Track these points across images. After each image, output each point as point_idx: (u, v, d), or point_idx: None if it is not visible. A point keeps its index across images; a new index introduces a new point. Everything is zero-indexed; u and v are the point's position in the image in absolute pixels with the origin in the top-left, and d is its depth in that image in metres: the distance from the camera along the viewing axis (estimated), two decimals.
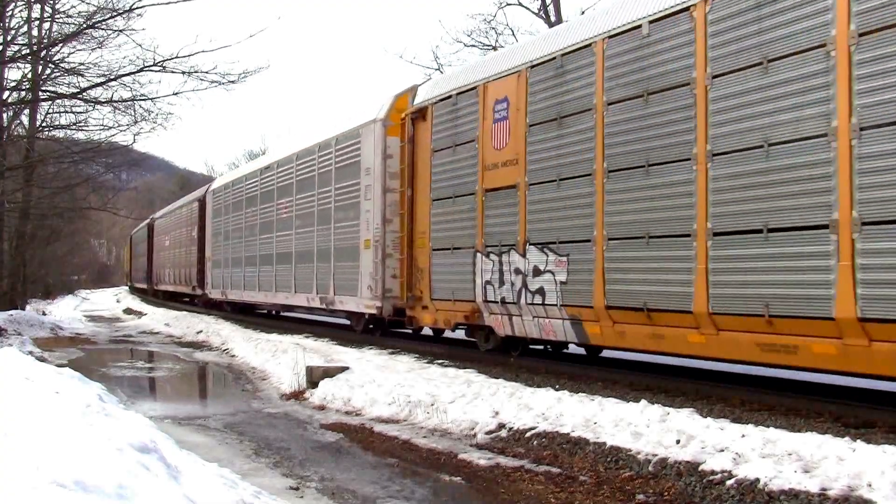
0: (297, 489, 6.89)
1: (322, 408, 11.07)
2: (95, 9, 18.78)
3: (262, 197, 23.69)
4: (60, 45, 21.51)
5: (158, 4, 17.69)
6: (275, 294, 22.61)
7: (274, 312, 28.21)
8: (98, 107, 22.06)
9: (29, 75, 22.53)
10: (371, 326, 17.51)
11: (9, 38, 21.63)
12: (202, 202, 31.76)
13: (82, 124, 24.76)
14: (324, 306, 18.97)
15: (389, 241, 15.85)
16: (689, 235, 9.14)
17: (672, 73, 9.44)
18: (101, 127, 24.84)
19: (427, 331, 17.32)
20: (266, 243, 23.33)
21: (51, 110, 26.26)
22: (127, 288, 68.85)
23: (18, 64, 22.30)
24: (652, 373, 10.97)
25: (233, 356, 17.95)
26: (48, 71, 22.58)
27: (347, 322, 19.60)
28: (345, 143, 17.84)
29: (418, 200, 14.64)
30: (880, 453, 5.89)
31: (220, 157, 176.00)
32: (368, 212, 16.44)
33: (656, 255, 9.56)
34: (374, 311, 16.23)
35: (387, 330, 17.14)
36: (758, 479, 5.96)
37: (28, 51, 21.62)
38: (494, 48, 27.86)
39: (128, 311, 41.63)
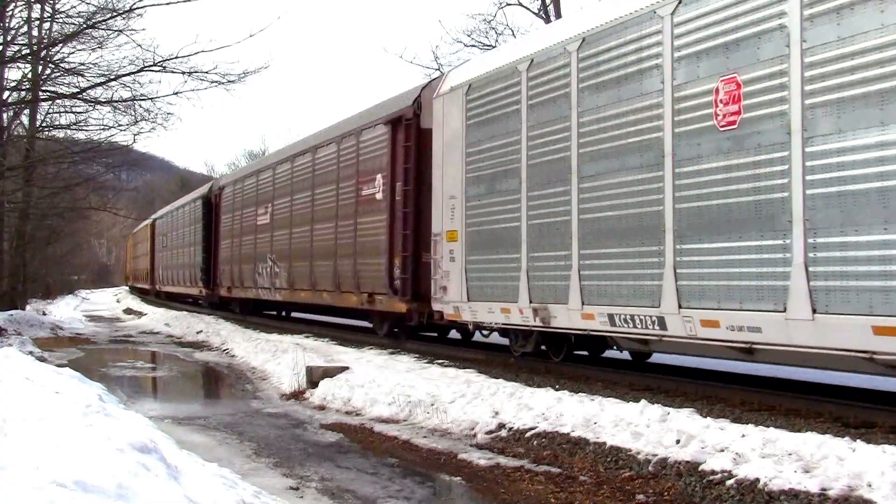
0: (297, 489, 6.89)
1: (322, 408, 11.07)
2: (95, 9, 18.81)
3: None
4: (60, 45, 21.51)
5: (158, 4, 17.72)
6: None
7: None
8: (98, 107, 22.11)
9: (29, 75, 22.55)
10: None
11: (9, 38, 21.64)
12: (411, 123, 14.72)
13: (82, 124, 24.80)
14: None
15: None
16: None
17: None
18: (101, 127, 24.80)
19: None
20: None
21: (51, 110, 26.28)
22: (127, 288, 67.54)
23: (18, 64, 22.31)
24: (652, 373, 10.96)
25: (233, 356, 17.94)
26: (48, 71, 22.58)
27: None
28: None
29: None
30: (880, 453, 5.89)
31: (220, 157, 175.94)
32: None
33: None
34: None
35: None
36: (758, 479, 5.96)
37: (28, 51, 21.62)
38: (494, 48, 27.82)
39: (128, 311, 41.66)
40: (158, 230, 43.62)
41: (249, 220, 24.93)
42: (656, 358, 11.70)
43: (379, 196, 15.68)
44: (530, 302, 11.01)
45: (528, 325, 11.30)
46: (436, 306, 13.44)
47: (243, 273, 25.23)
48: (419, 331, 16.00)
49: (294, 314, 25.80)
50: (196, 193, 34.64)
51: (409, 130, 14.72)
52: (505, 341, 13.02)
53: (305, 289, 19.62)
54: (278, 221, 22.02)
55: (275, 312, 26.76)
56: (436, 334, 16.20)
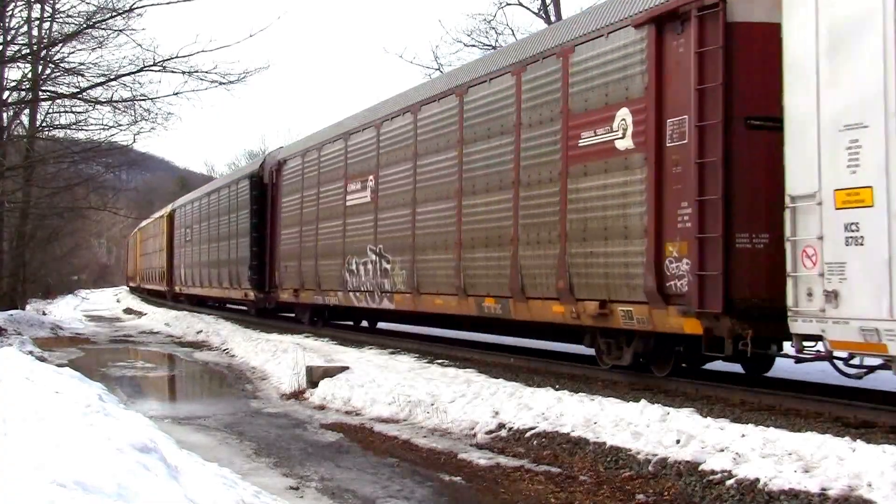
0: (296, 489, 6.89)
1: (322, 408, 11.07)
2: (95, 9, 18.85)
3: None
4: (60, 45, 21.54)
5: (158, 4, 17.74)
6: None
7: None
8: (98, 107, 22.10)
9: (29, 75, 22.55)
10: None
11: (9, 38, 21.64)
12: (714, 14, 8.90)
13: (82, 124, 24.81)
14: None
15: None
16: None
17: None
18: (101, 127, 24.81)
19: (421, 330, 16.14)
20: None
21: (51, 110, 26.29)
22: (127, 289, 67.33)
23: (18, 64, 22.32)
24: (652, 373, 10.95)
25: (233, 356, 17.94)
26: (48, 71, 22.59)
27: None
28: None
29: None
30: (880, 453, 5.89)
31: (220, 156, 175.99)
32: None
33: None
34: None
35: None
36: (758, 479, 5.96)
37: (28, 51, 21.62)
38: (494, 48, 27.84)
39: (128, 311, 41.67)
40: (179, 222, 36.76)
41: (333, 201, 18.60)
42: None
43: (624, 144, 10.11)
44: None
45: None
46: (805, 327, 7.75)
47: (321, 271, 19.04)
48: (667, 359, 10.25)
49: (380, 324, 20.07)
50: (241, 172, 28.10)
51: (704, 29, 9.06)
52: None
53: (444, 293, 13.75)
54: (387, 199, 15.97)
55: (351, 322, 20.82)
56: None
